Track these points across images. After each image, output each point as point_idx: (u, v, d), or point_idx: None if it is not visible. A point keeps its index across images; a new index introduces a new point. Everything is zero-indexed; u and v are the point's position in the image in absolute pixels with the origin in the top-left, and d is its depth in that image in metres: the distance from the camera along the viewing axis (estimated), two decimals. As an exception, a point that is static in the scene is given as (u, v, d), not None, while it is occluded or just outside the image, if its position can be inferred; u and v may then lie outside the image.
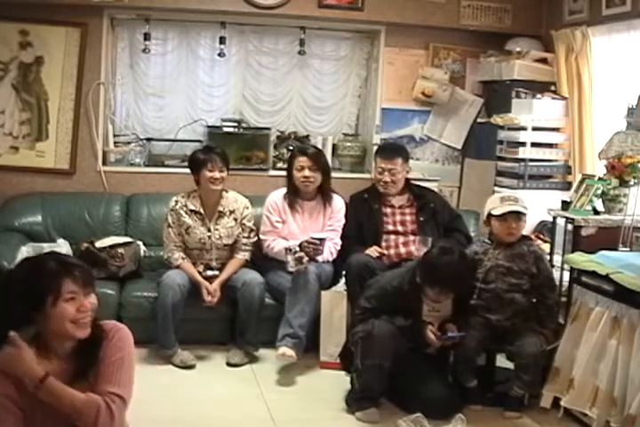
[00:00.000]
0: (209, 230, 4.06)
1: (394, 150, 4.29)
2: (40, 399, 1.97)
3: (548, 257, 3.81)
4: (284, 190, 4.24)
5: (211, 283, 3.97)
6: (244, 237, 4.12)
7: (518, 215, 3.50)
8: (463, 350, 3.40)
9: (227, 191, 4.15)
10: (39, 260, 2.10)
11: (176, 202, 4.08)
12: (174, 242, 4.05)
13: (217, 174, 4.01)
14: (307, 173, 4.11)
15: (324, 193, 4.20)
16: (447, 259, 3.26)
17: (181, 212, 4.05)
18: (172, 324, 3.81)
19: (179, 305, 3.81)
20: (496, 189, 4.80)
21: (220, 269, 4.07)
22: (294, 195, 4.20)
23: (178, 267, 4.00)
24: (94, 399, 1.98)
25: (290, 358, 3.69)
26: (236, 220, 4.12)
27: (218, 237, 4.07)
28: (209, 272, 4.05)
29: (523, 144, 4.61)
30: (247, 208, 4.17)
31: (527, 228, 4.34)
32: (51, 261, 2.06)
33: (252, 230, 4.16)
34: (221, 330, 4.11)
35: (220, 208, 4.10)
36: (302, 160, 4.12)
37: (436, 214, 4.20)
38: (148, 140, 5.05)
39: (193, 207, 4.06)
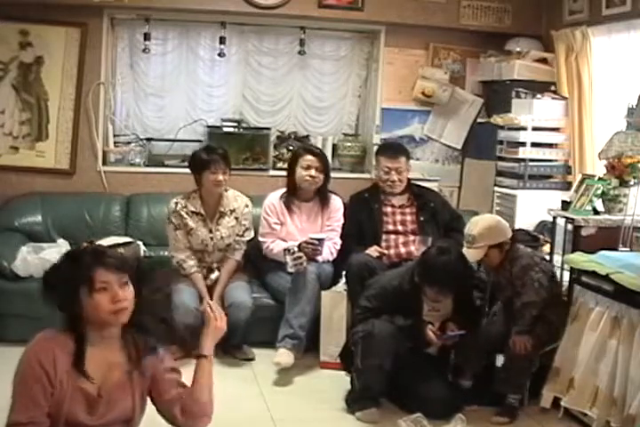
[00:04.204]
0: (210, 231, 4.04)
1: (397, 150, 4.30)
2: (71, 384, 1.99)
3: (547, 257, 3.81)
4: (280, 192, 4.23)
5: (213, 286, 3.99)
6: (237, 236, 4.10)
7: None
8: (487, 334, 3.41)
9: (227, 190, 4.12)
10: (76, 252, 2.16)
11: (176, 204, 4.04)
12: (184, 244, 4.01)
13: (220, 177, 3.97)
14: (313, 172, 4.11)
15: (322, 194, 4.20)
16: (445, 259, 3.26)
17: (182, 213, 4.01)
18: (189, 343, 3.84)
19: (196, 329, 3.79)
20: (496, 189, 4.81)
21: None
22: (293, 195, 4.20)
23: (187, 275, 3.97)
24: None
25: (285, 366, 3.69)
26: (236, 218, 4.09)
27: (220, 237, 4.05)
28: (212, 276, 4.05)
29: (523, 144, 4.61)
30: (247, 206, 4.14)
31: (527, 228, 4.37)
32: (85, 252, 2.10)
33: (247, 229, 4.13)
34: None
35: (222, 208, 4.07)
36: (310, 159, 4.12)
37: (436, 214, 4.21)
38: (148, 140, 5.05)
39: (193, 209, 4.03)
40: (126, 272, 2.09)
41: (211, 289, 4.00)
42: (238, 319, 3.80)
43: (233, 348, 3.94)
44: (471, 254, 3.38)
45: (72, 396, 2.01)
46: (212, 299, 3.89)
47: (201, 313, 3.81)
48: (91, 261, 2.05)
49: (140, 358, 2.14)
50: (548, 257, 3.80)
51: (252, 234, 4.17)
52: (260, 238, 4.18)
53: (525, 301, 3.31)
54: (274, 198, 4.22)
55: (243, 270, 4.17)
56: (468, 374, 3.47)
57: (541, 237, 4.13)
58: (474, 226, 3.43)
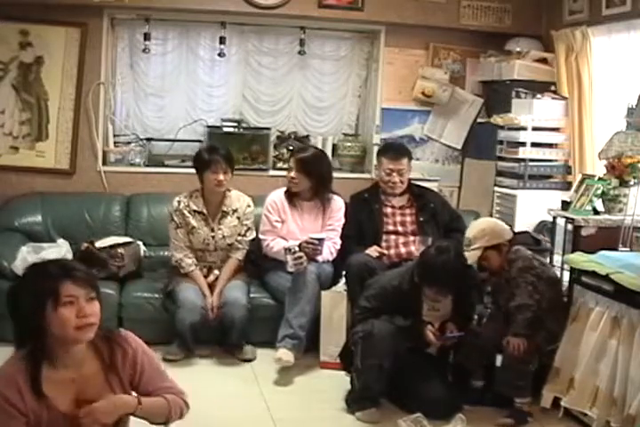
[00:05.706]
0: (212, 230, 4.05)
1: (400, 151, 4.29)
2: (45, 407, 1.97)
3: (546, 259, 3.81)
4: (283, 190, 4.24)
5: (212, 286, 4.00)
6: (239, 235, 4.11)
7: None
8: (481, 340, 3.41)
9: (229, 190, 4.13)
10: (42, 264, 2.12)
11: (179, 202, 4.05)
12: (184, 242, 4.02)
13: (220, 176, 3.98)
14: (292, 174, 4.12)
15: (319, 195, 4.18)
16: (443, 258, 3.27)
17: (185, 212, 4.03)
18: (191, 341, 3.89)
19: (198, 326, 3.86)
20: (496, 189, 4.81)
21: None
22: (293, 194, 4.21)
23: (187, 274, 3.99)
24: (175, 400, 2.19)
25: (286, 363, 3.69)
26: (239, 218, 4.10)
27: (221, 236, 4.05)
28: (211, 277, 4.06)
29: (523, 144, 4.61)
30: (249, 206, 4.16)
31: (527, 228, 4.38)
32: (52, 265, 2.08)
33: (248, 229, 4.14)
34: (221, 330, 4.10)
35: (224, 208, 4.09)
36: (291, 161, 4.16)
37: (435, 215, 4.21)
38: (148, 140, 5.05)
39: (195, 208, 4.05)
40: (94, 288, 2.06)
41: (211, 287, 4.01)
42: (233, 318, 3.84)
43: (234, 347, 3.95)
44: (468, 257, 3.39)
45: (49, 419, 1.98)
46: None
47: (205, 311, 3.86)
48: (58, 274, 2.01)
49: (114, 359, 2.11)
50: (555, 262, 3.76)
51: (253, 234, 4.17)
52: (261, 236, 4.17)
53: (518, 303, 3.31)
54: (276, 196, 4.22)
55: (242, 270, 4.17)
56: (479, 374, 3.47)
57: (542, 237, 4.13)
58: (470, 229, 3.50)
